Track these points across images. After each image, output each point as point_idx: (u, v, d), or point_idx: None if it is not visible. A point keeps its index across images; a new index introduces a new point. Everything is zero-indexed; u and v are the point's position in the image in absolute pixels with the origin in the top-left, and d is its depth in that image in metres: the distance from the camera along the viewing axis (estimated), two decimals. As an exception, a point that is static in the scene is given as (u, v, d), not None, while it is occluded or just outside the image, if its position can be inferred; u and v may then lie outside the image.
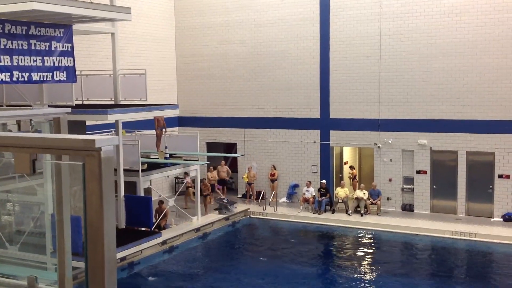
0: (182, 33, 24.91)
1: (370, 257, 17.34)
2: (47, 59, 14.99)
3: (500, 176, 19.63)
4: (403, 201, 21.25)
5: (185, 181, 21.28)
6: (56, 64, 15.30)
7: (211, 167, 22.65)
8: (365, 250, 18.02)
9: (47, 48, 14.99)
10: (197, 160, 21.45)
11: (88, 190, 2.80)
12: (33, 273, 5.30)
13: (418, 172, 20.87)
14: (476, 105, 19.77)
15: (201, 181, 20.96)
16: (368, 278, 15.43)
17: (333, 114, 22.18)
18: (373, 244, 18.55)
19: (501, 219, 19.47)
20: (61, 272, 5.25)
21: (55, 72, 15.28)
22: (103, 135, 2.84)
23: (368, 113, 21.48)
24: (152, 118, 19.47)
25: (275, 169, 23.10)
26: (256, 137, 23.74)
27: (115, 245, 2.92)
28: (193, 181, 20.64)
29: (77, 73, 16.36)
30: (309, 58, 22.40)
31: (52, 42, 15.12)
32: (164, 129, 19.98)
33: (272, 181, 23.01)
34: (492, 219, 19.63)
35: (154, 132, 20.04)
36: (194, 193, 20.84)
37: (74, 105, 16.19)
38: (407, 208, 21.02)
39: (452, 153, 20.35)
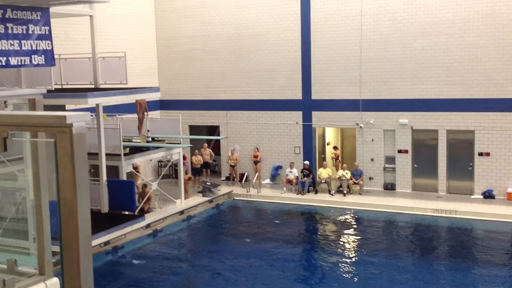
0: (162, 15, 24.65)
1: (353, 236, 17.53)
2: (24, 43, 14.76)
3: (480, 154, 19.88)
4: (385, 180, 21.45)
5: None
6: (34, 48, 15.07)
7: (196, 151, 22.62)
8: (348, 229, 18.20)
9: (24, 32, 14.75)
10: (180, 143, 21.38)
11: (60, 167, 2.78)
12: (16, 259, 5.28)
13: (400, 151, 21.05)
14: (456, 83, 19.92)
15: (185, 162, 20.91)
16: (351, 256, 15.62)
17: (315, 95, 22.21)
18: (356, 223, 18.74)
19: (481, 196, 19.76)
20: (41, 255, 5.23)
21: (33, 56, 15.06)
22: (76, 112, 2.82)
23: (350, 93, 21.54)
24: (134, 101, 19.32)
25: (258, 151, 23.14)
26: (238, 119, 23.70)
27: (89, 221, 2.91)
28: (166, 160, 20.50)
29: (56, 56, 16.14)
30: (290, 39, 22.34)
31: (29, 26, 14.88)
32: (146, 113, 19.85)
33: (255, 163, 23.06)
34: (472, 197, 19.92)
35: (136, 115, 19.88)
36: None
37: (53, 89, 16.02)
38: (389, 187, 21.23)
39: (432, 132, 20.54)
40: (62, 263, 3.12)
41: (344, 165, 21.74)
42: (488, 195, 19.62)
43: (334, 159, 23.63)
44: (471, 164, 20.08)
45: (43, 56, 15.29)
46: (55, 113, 2.75)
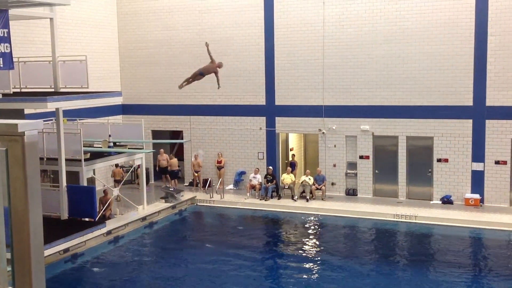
0: (125, 19, 24.39)
1: (316, 241, 17.66)
2: (-19, 45, 14.38)
3: (439, 160, 20.32)
4: (346, 185, 21.70)
5: None
6: (-8, 51, 14.68)
7: (171, 155, 23.23)
8: (311, 234, 18.32)
9: (-19, 34, 14.37)
10: (142, 148, 21.16)
11: (12, 177, 2.71)
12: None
13: (361, 157, 21.34)
14: (415, 91, 20.33)
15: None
16: (313, 261, 15.72)
17: (278, 101, 22.33)
18: (318, 229, 18.88)
19: (440, 202, 20.19)
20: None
21: (-10, 59, 14.67)
22: (28, 120, 2.75)
23: (313, 99, 21.74)
24: (96, 106, 19.00)
25: (221, 157, 23.10)
26: (202, 124, 23.63)
27: (41, 232, 2.84)
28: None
29: (15, 59, 15.77)
30: (254, 44, 22.42)
31: (-13, 28, 14.50)
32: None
33: (219, 168, 23.00)
34: (431, 202, 20.33)
35: (96, 120, 19.54)
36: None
37: (11, 92, 15.66)
38: (351, 193, 21.48)
39: (393, 138, 20.90)
40: (13, 275, 3.04)
41: (307, 170, 21.89)
42: (447, 201, 20.06)
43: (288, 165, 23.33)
44: (430, 170, 20.51)
45: (1, 59, 14.92)
46: (6, 121, 2.68)
